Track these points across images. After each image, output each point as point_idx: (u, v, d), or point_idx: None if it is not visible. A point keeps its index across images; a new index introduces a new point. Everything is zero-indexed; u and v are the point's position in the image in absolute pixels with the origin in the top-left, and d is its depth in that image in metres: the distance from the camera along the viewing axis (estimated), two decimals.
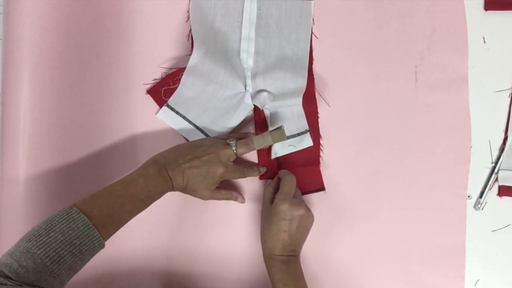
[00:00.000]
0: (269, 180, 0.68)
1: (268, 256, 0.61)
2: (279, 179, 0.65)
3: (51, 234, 0.48)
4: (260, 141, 0.62)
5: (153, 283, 0.69)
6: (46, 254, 0.46)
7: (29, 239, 0.47)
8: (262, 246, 0.62)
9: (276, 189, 0.64)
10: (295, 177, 0.64)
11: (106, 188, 0.55)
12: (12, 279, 0.44)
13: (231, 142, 0.61)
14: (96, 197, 0.53)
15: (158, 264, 0.70)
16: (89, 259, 0.51)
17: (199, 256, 0.69)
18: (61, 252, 0.47)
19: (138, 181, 0.56)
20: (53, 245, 0.47)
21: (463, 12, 0.67)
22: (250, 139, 0.62)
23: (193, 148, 0.60)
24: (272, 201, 0.62)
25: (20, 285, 0.44)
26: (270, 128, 0.67)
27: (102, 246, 0.52)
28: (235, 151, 0.61)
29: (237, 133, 0.67)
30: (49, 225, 0.49)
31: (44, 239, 0.47)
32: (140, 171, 0.57)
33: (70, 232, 0.49)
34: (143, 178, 0.56)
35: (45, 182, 0.66)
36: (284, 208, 0.60)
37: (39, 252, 0.46)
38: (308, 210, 0.61)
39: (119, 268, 0.69)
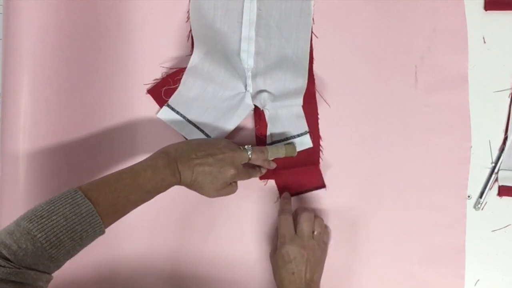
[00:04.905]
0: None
1: None
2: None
3: (53, 217, 0.47)
4: (274, 151, 0.64)
5: (155, 285, 0.69)
6: (47, 238, 0.46)
7: (31, 220, 0.46)
8: None
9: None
10: (290, 216, 0.63)
11: (113, 175, 0.53)
12: (10, 261, 0.44)
13: (247, 147, 0.62)
14: (102, 183, 0.52)
15: (161, 266, 0.70)
16: (87, 245, 0.51)
17: (202, 258, 0.69)
18: (61, 237, 0.47)
19: (146, 171, 0.54)
20: (55, 229, 0.46)
21: (463, 12, 0.67)
22: (265, 148, 0.64)
23: (207, 145, 0.60)
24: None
25: (18, 268, 0.44)
26: (269, 129, 0.68)
27: (102, 233, 0.51)
28: (250, 156, 0.62)
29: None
30: (52, 207, 0.47)
31: (46, 222, 0.46)
32: (149, 161, 0.56)
33: (73, 217, 0.47)
34: (151, 169, 0.55)
35: (46, 180, 0.65)
36: (284, 251, 0.60)
37: (40, 235, 0.45)
38: (307, 248, 0.61)
39: (121, 270, 0.69)
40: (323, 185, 0.68)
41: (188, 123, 0.68)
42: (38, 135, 0.64)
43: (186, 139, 0.68)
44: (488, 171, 0.68)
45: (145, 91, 0.69)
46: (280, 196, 0.68)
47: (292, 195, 0.69)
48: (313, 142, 0.68)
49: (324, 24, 0.68)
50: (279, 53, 0.68)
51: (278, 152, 0.65)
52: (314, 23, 0.68)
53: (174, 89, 0.68)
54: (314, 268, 0.61)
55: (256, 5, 0.67)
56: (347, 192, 0.68)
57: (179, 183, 0.58)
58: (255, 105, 0.68)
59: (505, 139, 0.68)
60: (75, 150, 0.67)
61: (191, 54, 0.67)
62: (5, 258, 0.44)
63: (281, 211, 0.65)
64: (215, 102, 0.68)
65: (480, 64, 0.68)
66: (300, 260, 0.60)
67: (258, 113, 0.68)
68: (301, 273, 0.59)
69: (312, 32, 0.68)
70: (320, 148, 0.69)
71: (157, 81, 0.69)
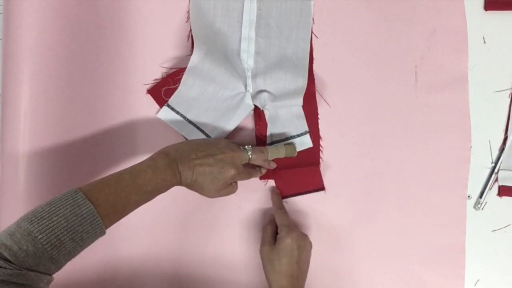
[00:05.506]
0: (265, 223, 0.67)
1: None
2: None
3: (54, 219, 0.47)
4: (274, 152, 0.65)
5: (156, 285, 0.69)
6: (48, 240, 0.46)
7: (31, 221, 0.46)
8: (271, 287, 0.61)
9: (275, 230, 0.64)
10: (285, 210, 0.66)
11: (113, 176, 0.54)
12: (11, 262, 0.44)
13: (247, 147, 0.62)
14: (103, 184, 0.52)
15: (161, 267, 0.70)
16: (88, 245, 0.51)
17: (202, 258, 0.69)
18: (62, 238, 0.47)
19: (147, 172, 0.55)
20: (55, 230, 0.46)
21: (463, 12, 0.67)
22: (265, 148, 0.64)
23: (207, 145, 0.60)
24: (273, 242, 0.62)
25: (19, 270, 0.44)
26: (269, 129, 0.67)
27: (103, 234, 0.51)
28: (250, 156, 0.62)
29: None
30: (53, 208, 0.47)
31: (47, 223, 0.46)
32: (149, 162, 0.56)
33: (74, 218, 0.47)
34: (152, 169, 0.55)
35: (46, 181, 0.65)
36: (292, 239, 0.60)
37: (40, 236, 0.45)
38: (308, 237, 0.63)
39: (122, 270, 0.69)
40: (322, 188, 0.68)
41: (188, 123, 0.68)
42: (38, 135, 0.64)
43: (186, 139, 0.68)
44: (488, 171, 0.68)
45: (145, 91, 0.69)
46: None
47: (291, 195, 0.69)
48: (313, 142, 0.68)
49: (324, 24, 0.68)
50: (279, 53, 0.68)
51: (278, 152, 0.65)
52: (314, 23, 0.68)
53: (174, 89, 0.68)
54: (308, 264, 0.63)
55: (256, 5, 0.67)
56: (347, 192, 0.68)
57: (180, 183, 0.58)
58: (255, 105, 0.68)
59: (505, 139, 0.68)
60: (75, 150, 0.67)
61: (191, 54, 0.67)
62: (6, 260, 0.44)
63: (278, 206, 0.66)
64: (215, 102, 0.68)
65: (480, 64, 0.68)
66: (304, 250, 0.61)
67: (258, 113, 0.68)
68: (301, 263, 0.60)
69: (312, 32, 0.68)
70: (320, 148, 0.69)
71: (157, 81, 0.69)
